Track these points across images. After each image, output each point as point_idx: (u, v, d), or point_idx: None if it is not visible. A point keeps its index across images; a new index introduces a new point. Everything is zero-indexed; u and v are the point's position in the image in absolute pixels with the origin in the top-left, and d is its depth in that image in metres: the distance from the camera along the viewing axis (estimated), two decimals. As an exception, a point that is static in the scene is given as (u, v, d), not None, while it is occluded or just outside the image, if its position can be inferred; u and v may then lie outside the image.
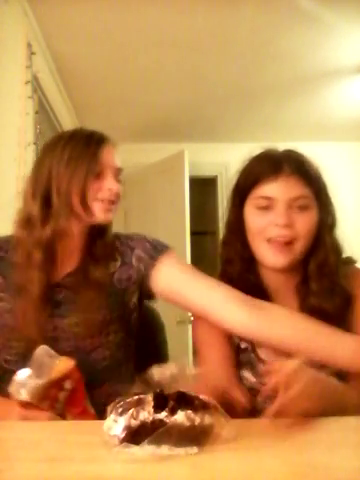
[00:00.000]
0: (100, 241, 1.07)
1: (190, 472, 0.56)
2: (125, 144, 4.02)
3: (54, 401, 0.85)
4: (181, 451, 0.59)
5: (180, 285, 1.03)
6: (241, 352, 1.04)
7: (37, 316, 0.97)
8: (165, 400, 0.61)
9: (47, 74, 2.81)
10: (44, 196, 1.01)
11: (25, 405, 0.83)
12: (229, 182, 4.53)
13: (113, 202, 1.05)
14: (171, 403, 0.61)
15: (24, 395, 0.82)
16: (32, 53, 2.36)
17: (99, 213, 1.02)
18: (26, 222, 1.02)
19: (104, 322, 1.03)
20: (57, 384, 0.85)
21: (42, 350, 0.88)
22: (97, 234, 1.07)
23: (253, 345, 1.03)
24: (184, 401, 0.61)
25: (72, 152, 1.01)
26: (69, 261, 1.06)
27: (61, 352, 0.90)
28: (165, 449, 0.58)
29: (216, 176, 4.30)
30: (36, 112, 2.46)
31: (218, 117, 3.72)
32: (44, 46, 2.66)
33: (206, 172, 4.28)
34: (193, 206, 3.73)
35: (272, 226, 0.99)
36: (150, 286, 1.06)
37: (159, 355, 1.31)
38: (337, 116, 3.67)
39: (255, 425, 0.79)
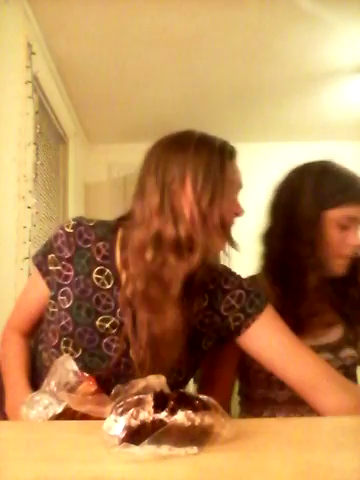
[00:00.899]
0: (202, 267, 0.90)
1: (190, 472, 0.56)
2: (125, 144, 4.03)
3: (70, 417, 0.80)
4: (181, 451, 0.59)
5: (272, 352, 0.92)
6: None
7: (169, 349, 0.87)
8: (165, 400, 0.61)
9: (47, 74, 2.81)
10: (171, 211, 0.86)
11: None
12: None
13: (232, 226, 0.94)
14: (171, 403, 0.61)
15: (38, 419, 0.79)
16: (32, 53, 2.36)
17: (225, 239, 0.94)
18: (158, 242, 0.86)
19: (176, 363, 0.91)
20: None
21: (64, 361, 0.83)
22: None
23: None
24: (184, 401, 0.61)
25: (202, 165, 0.87)
26: None
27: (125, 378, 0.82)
28: (165, 449, 0.58)
29: (216, 176, 4.30)
30: (36, 112, 2.46)
31: (218, 117, 3.72)
32: (44, 46, 2.66)
33: (206, 172, 4.28)
34: (193, 206, 3.73)
35: (348, 245, 1.08)
36: (237, 342, 0.95)
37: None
38: (337, 116, 3.67)
39: (255, 425, 0.79)
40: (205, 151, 0.89)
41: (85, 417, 0.83)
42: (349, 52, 2.77)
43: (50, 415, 0.78)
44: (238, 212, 0.94)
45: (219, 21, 2.47)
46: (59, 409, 0.78)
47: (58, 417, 0.79)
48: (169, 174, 0.87)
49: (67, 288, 0.94)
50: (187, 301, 0.89)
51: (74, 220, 0.97)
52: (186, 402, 0.61)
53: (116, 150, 4.17)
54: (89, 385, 0.83)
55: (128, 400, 0.63)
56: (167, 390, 0.65)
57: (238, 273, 1.00)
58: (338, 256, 1.08)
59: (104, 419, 0.63)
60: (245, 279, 1.00)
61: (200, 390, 1.10)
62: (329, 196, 1.08)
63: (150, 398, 0.62)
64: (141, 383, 0.70)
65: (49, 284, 0.97)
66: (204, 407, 0.62)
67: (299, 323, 1.03)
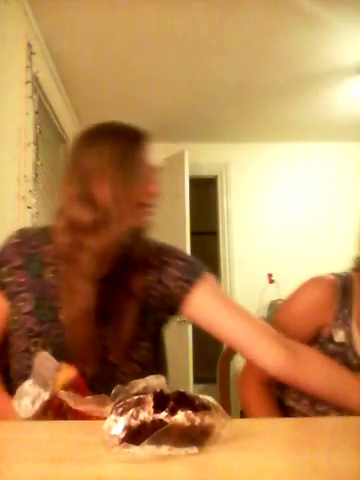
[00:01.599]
0: (138, 247, 0.99)
1: (190, 472, 0.56)
2: (125, 144, 4.04)
3: (58, 409, 0.83)
4: (181, 451, 0.59)
5: (213, 315, 0.99)
6: (334, 343, 1.08)
7: (85, 326, 0.93)
8: (165, 400, 0.61)
9: (47, 74, 2.81)
10: (90, 199, 0.93)
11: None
12: (229, 182, 4.56)
13: (153, 205, 1.00)
14: (171, 403, 0.61)
15: (27, 415, 0.80)
16: (32, 53, 2.36)
17: (141, 217, 0.98)
18: (74, 228, 0.93)
19: (136, 338, 0.98)
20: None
21: (42, 357, 0.85)
22: (134, 239, 0.98)
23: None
24: (184, 401, 0.61)
25: (116, 151, 0.95)
26: (99, 267, 0.97)
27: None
28: (165, 449, 0.58)
29: (216, 176, 4.31)
30: (36, 112, 2.46)
31: (218, 117, 3.72)
32: (44, 46, 2.66)
33: (206, 172, 4.28)
34: (193, 206, 3.73)
35: None
36: (181, 310, 1.01)
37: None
38: (337, 116, 3.67)
39: (255, 425, 0.79)
40: (118, 140, 0.98)
41: (74, 412, 0.83)
42: (349, 52, 2.77)
43: (38, 405, 0.80)
44: (153, 192, 0.98)
45: (219, 21, 2.47)
46: (46, 396, 0.81)
47: (46, 406, 0.80)
48: (85, 164, 0.95)
49: (24, 293, 0.98)
50: (126, 279, 0.97)
51: (19, 231, 1.05)
52: (186, 402, 0.61)
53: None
54: (68, 371, 0.85)
55: (128, 400, 0.63)
56: (167, 390, 0.65)
57: (176, 247, 1.07)
58: None
59: (95, 417, 0.64)
60: (182, 251, 1.06)
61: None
62: None
63: (150, 398, 0.62)
64: (141, 383, 0.70)
65: (7, 296, 1.00)
66: (204, 407, 0.62)
67: None
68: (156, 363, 1.05)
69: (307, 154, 4.16)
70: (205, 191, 4.58)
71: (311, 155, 4.14)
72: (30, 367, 0.94)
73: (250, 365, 1.11)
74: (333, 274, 1.14)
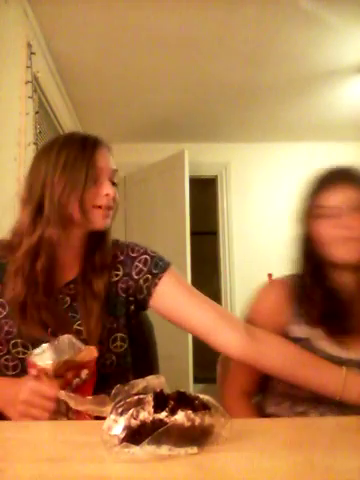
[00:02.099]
0: (99, 249, 1.07)
1: (190, 472, 0.56)
2: (125, 144, 4.04)
3: (66, 384, 0.86)
4: (181, 451, 0.59)
5: (176, 305, 1.05)
6: (296, 341, 1.09)
7: (39, 324, 0.98)
8: (165, 400, 0.61)
9: (47, 74, 2.81)
10: (37, 203, 0.99)
11: (38, 378, 0.84)
12: (229, 182, 4.55)
13: (110, 208, 1.03)
14: (171, 403, 0.61)
15: (46, 361, 0.83)
16: (32, 53, 2.36)
17: (97, 220, 1.01)
18: (17, 229, 1.03)
19: (111, 330, 1.05)
20: (76, 369, 0.86)
21: (67, 338, 0.88)
22: (97, 242, 1.07)
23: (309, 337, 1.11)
24: (184, 401, 0.61)
25: (67, 157, 0.99)
26: (71, 270, 1.05)
27: None
28: (165, 449, 0.58)
29: (216, 176, 4.31)
30: (36, 112, 2.46)
31: (218, 117, 3.72)
32: (44, 46, 2.66)
33: (206, 172, 4.28)
34: (193, 206, 3.73)
35: (340, 229, 1.08)
36: (148, 302, 1.08)
37: (151, 358, 1.34)
38: (337, 116, 3.67)
39: (255, 425, 0.79)
40: (72, 146, 1.01)
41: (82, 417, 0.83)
42: (349, 52, 2.77)
43: (58, 359, 0.84)
44: (107, 195, 1.02)
45: (219, 21, 2.47)
46: (67, 356, 0.85)
47: (68, 407, 0.81)
48: (36, 175, 1.01)
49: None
50: (96, 274, 1.04)
51: None
52: (186, 402, 0.61)
53: (116, 150, 4.16)
54: (92, 349, 0.90)
55: (128, 400, 0.63)
56: (167, 390, 0.65)
57: (142, 245, 1.14)
58: (337, 242, 1.09)
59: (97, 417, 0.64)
60: (148, 248, 1.12)
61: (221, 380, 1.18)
62: (310, 195, 1.16)
63: (150, 398, 0.62)
64: (141, 383, 0.71)
65: None
66: (204, 407, 0.62)
67: (337, 333, 1.09)
68: (133, 353, 1.11)
69: (307, 154, 4.15)
70: (205, 191, 4.58)
71: (311, 155, 4.14)
72: (7, 367, 1.01)
73: (233, 376, 1.17)
74: (287, 275, 1.19)
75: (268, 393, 1.19)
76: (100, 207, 1.01)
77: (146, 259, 1.08)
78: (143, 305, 1.10)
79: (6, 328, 1.01)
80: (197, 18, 2.44)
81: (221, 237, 4.21)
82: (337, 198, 1.09)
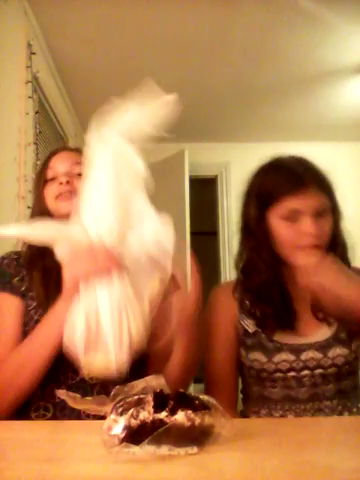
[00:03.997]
0: None
1: (190, 472, 0.56)
2: (125, 144, 4.03)
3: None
4: (181, 451, 0.59)
5: None
6: (249, 336, 1.12)
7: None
8: (165, 400, 0.61)
9: (47, 74, 2.81)
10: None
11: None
12: (229, 182, 4.55)
13: (64, 196, 1.11)
14: (171, 403, 0.61)
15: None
16: (32, 53, 2.36)
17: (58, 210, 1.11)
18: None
19: None
20: None
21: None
22: None
23: (263, 329, 1.12)
24: (184, 401, 0.61)
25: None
26: None
27: None
28: (165, 449, 0.58)
29: (216, 176, 4.31)
30: (36, 112, 2.46)
31: (218, 117, 3.72)
32: (44, 46, 2.66)
33: (206, 172, 4.28)
34: (193, 206, 3.73)
35: (302, 235, 1.06)
36: None
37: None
38: (337, 116, 3.67)
39: (255, 425, 0.79)
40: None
41: None
42: (349, 52, 2.77)
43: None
44: (59, 191, 1.12)
45: (219, 21, 2.47)
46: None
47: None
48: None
49: (28, 293, 1.09)
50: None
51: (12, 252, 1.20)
52: (186, 402, 0.61)
53: (116, 150, 4.17)
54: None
55: (128, 400, 0.63)
56: (167, 390, 0.65)
57: None
58: (298, 248, 1.07)
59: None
60: None
61: (206, 391, 1.15)
62: (267, 194, 1.11)
63: (150, 398, 0.62)
64: (140, 384, 0.70)
65: (18, 294, 1.08)
66: (204, 407, 0.62)
67: (285, 321, 1.10)
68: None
69: (307, 154, 4.15)
70: (205, 191, 4.58)
71: (311, 155, 4.13)
72: None
73: (218, 388, 1.13)
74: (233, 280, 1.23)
75: (247, 398, 1.19)
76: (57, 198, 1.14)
77: None
78: None
79: (36, 317, 1.03)
80: (197, 18, 2.44)
81: (221, 237, 4.21)
82: (301, 202, 1.05)
